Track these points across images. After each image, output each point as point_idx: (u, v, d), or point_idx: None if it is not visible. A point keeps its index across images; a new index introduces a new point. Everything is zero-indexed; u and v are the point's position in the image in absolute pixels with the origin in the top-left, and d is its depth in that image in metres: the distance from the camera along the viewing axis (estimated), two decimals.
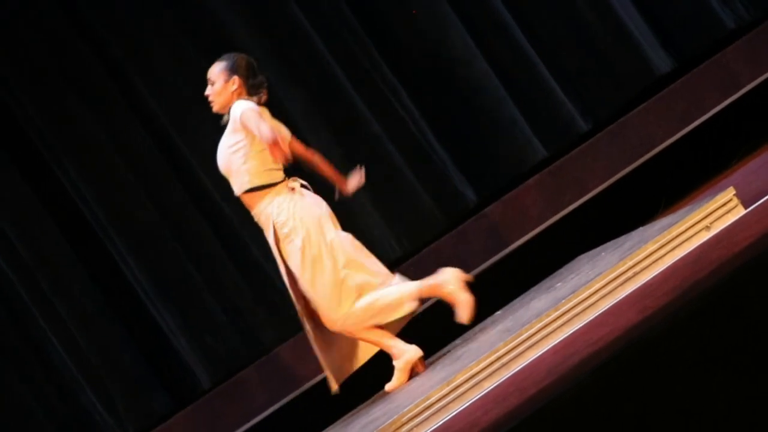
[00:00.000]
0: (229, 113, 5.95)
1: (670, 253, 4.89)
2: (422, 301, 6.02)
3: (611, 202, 7.59)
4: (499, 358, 4.77)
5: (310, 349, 6.05)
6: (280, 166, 5.93)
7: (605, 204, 7.58)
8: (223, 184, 6.10)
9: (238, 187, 5.96)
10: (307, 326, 5.98)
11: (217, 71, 6.01)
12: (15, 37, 7.49)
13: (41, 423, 7.37)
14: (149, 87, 7.55)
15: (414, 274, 6.06)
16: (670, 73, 7.85)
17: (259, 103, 5.95)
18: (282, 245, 5.88)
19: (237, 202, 6.06)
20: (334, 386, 6.02)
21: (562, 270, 6.58)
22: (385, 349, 5.94)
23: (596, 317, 4.74)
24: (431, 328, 6.36)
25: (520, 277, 6.97)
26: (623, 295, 4.80)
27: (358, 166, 6.11)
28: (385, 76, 7.71)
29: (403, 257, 7.51)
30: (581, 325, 4.76)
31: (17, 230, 7.43)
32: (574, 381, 3.64)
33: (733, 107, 7.71)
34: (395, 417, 4.74)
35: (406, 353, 5.89)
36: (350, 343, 6.06)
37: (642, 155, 7.67)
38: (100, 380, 7.39)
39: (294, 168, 6.06)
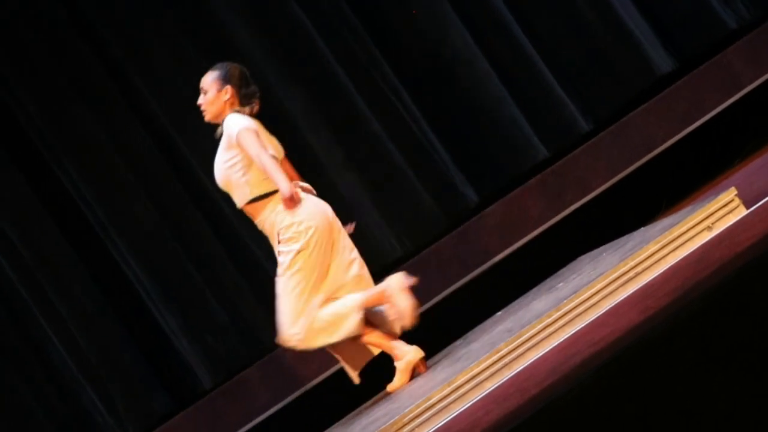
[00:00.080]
0: (222, 125, 5.93)
1: (672, 254, 4.88)
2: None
3: (613, 202, 7.58)
4: (500, 358, 4.77)
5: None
6: None
7: (607, 204, 7.58)
8: None
9: (239, 200, 5.94)
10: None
11: (209, 80, 5.97)
12: (15, 37, 7.48)
13: (41, 423, 7.36)
14: (149, 87, 7.55)
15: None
16: (671, 73, 7.85)
17: (251, 114, 5.93)
18: (282, 246, 5.87)
19: None
20: (355, 378, 6.02)
21: (564, 270, 6.57)
22: (387, 350, 5.94)
23: (598, 317, 4.74)
24: (432, 328, 6.35)
25: (521, 278, 6.96)
26: (625, 296, 4.80)
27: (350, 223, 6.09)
28: (386, 76, 7.70)
29: (404, 257, 7.50)
30: (583, 325, 4.76)
31: (17, 230, 7.42)
32: (576, 381, 3.64)
33: (735, 107, 7.71)
34: (397, 417, 4.74)
35: (407, 354, 5.89)
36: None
37: (643, 155, 7.66)
38: (101, 380, 7.39)
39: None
